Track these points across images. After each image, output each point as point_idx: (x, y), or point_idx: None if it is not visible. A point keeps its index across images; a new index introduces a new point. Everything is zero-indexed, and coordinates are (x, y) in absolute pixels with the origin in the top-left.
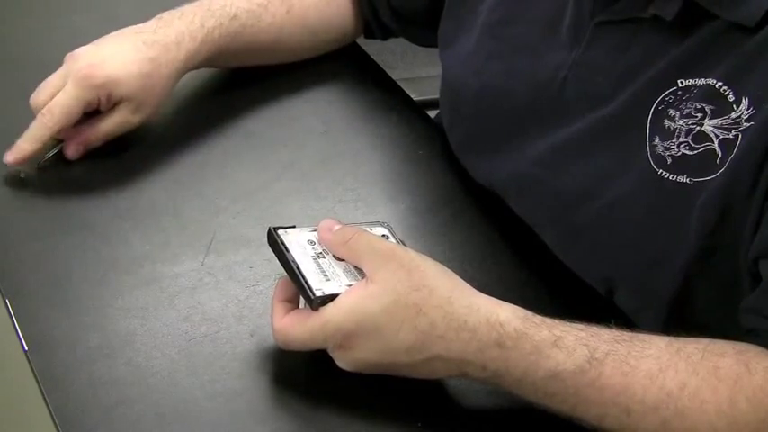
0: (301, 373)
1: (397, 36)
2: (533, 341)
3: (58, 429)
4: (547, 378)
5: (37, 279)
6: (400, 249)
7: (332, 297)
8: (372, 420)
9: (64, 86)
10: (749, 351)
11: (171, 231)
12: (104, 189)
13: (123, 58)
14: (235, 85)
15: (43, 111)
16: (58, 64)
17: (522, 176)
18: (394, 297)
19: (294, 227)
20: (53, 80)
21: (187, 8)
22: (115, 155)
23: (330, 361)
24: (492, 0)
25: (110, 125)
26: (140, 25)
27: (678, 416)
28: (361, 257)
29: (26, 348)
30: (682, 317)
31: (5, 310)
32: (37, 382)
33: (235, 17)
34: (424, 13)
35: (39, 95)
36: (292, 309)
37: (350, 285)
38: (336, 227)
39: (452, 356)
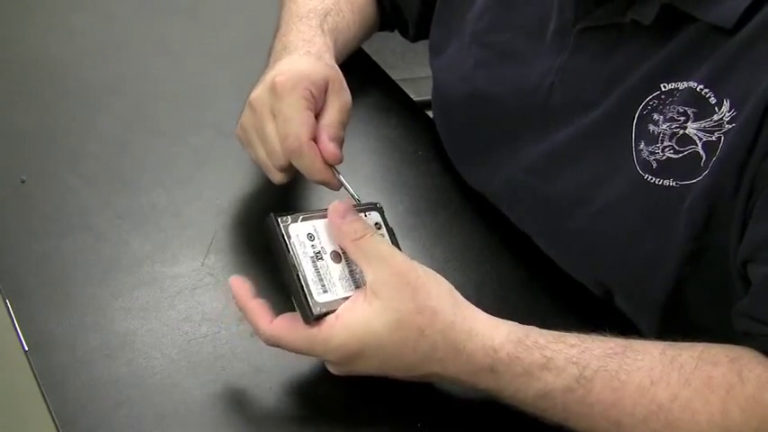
0: (301, 374)
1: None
2: (524, 364)
3: (57, 429)
4: (537, 398)
5: (37, 279)
6: (407, 264)
7: (327, 313)
8: (372, 420)
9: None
10: (742, 358)
11: (171, 232)
12: (104, 189)
13: (296, 63)
14: (235, 84)
15: (290, 146)
16: (57, 64)
17: (514, 183)
18: (398, 317)
19: (293, 213)
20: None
21: (300, 27)
22: (115, 155)
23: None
24: (479, 7)
25: (333, 111)
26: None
27: (669, 427)
28: (367, 262)
29: (26, 348)
30: (676, 319)
31: (5, 310)
32: (37, 382)
33: (327, 14)
34: (417, 15)
35: (268, 143)
36: (267, 308)
37: (346, 297)
38: (349, 216)
39: (447, 375)
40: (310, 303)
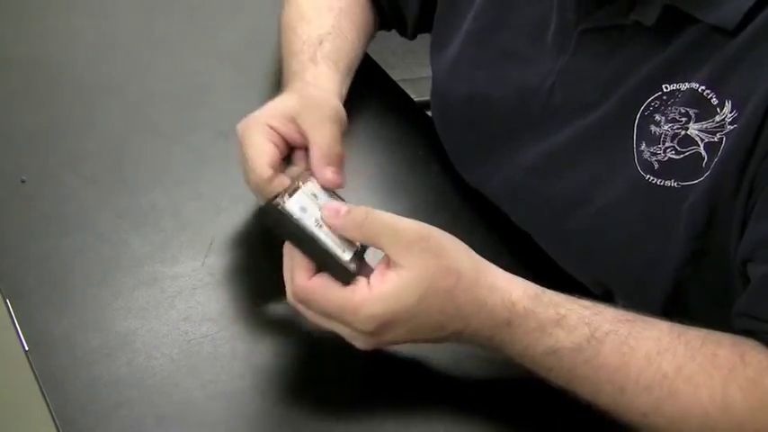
0: (302, 374)
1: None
2: (539, 319)
3: (57, 429)
4: (545, 354)
5: (37, 279)
6: (419, 229)
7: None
8: (372, 421)
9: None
10: (745, 344)
11: (171, 232)
12: (104, 190)
13: (265, 107)
14: (235, 84)
15: (252, 185)
16: (57, 64)
17: (514, 184)
18: (427, 284)
19: (278, 195)
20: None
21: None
22: (115, 155)
23: (330, 362)
24: (478, 7)
25: (316, 137)
26: None
27: (671, 397)
28: (380, 240)
29: (26, 348)
30: (677, 319)
31: (5, 310)
32: (37, 382)
33: (324, 40)
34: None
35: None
36: (311, 266)
37: (352, 257)
38: (343, 209)
39: (469, 332)
40: (344, 263)
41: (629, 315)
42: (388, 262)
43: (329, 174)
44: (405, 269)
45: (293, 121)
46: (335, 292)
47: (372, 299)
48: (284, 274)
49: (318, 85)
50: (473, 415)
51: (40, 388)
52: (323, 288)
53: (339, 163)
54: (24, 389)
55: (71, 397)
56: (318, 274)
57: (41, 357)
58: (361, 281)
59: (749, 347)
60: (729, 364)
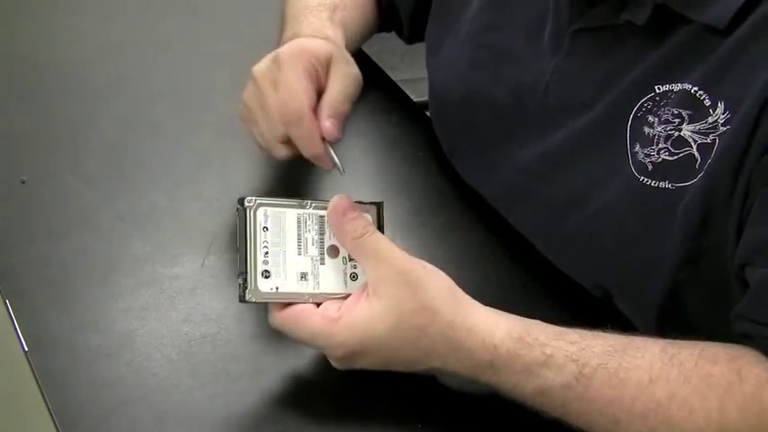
0: (301, 375)
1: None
2: (524, 361)
3: (57, 429)
4: (534, 394)
5: (37, 280)
6: (407, 262)
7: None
8: (372, 421)
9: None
10: (742, 357)
11: (171, 232)
12: (104, 190)
13: (301, 41)
14: (235, 85)
15: (289, 113)
16: (58, 64)
17: (511, 184)
18: (398, 317)
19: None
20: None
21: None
22: (115, 156)
23: (329, 363)
24: (475, 8)
25: (335, 85)
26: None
27: (666, 424)
28: (367, 261)
29: (26, 349)
30: (674, 321)
31: (5, 310)
32: (37, 382)
33: (336, 8)
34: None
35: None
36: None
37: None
38: (350, 214)
39: (447, 370)
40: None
41: (619, 344)
42: (365, 290)
43: (328, 123)
44: (378, 299)
45: (326, 66)
46: (308, 320)
47: (341, 326)
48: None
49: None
50: (473, 415)
51: (40, 388)
52: (298, 319)
53: (342, 119)
54: (24, 389)
55: (71, 397)
56: (291, 307)
57: (41, 358)
58: (333, 306)
59: (746, 360)
60: (725, 382)
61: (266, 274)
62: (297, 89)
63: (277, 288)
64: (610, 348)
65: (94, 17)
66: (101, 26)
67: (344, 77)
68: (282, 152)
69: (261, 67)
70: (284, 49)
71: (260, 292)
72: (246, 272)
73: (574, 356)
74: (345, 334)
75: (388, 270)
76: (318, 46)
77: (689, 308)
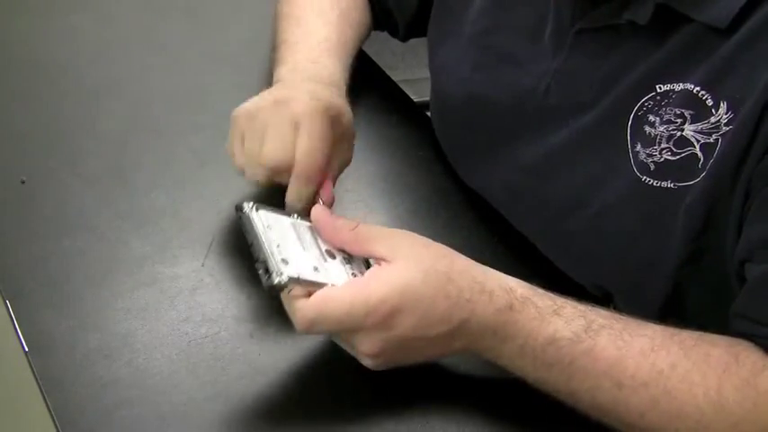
0: (302, 375)
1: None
2: (537, 306)
3: (57, 429)
4: (546, 344)
5: (37, 280)
6: (405, 231)
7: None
8: (372, 421)
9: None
10: (740, 344)
11: (171, 232)
12: (104, 190)
13: (320, 92)
14: (235, 85)
15: (296, 172)
16: (58, 64)
17: (513, 185)
18: (426, 266)
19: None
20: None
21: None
22: (115, 156)
23: (330, 362)
24: (476, 9)
25: (341, 154)
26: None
27: (667, 395)
28: (373, 240)
29: (26, 349)
30: (675, 321)
31: (6, 310)
32: (37, 382)
33: (339, 42)
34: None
35: (267, 153)
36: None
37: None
38: (341, 223)
39: (475, 321)
40: (275, 263)
41: (622, 316)
42: (383, 263)
43: (329, 191)
44: (401, 258)
45: (337, 120)
46: (339, 296)
47: (377, 284)
48: (289, 315)
49: (340, 88)
50: (473, 415)
51: (40, 388)
52: (329, 299)
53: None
54: (24, 389)
55: (71, 397)
56: (320, 290)
57: (41, 358)
58: (357, 281)
59: (743, 347)
60: (723, 363)
61: (285, 261)
62: (315, 149)
63: (298, 276)
64: (615, 315)
65: (94, 17)
66: (100, 26)
67: (349, 147)
68: (262, 179)
69: (265, 107)
70: (306, 107)
71: (285, 275)
72: (267, 258)
73: (582, 312)
74: (384, 289)
75: (399, 236)
76: (332, 102)
77: (690, 308)
